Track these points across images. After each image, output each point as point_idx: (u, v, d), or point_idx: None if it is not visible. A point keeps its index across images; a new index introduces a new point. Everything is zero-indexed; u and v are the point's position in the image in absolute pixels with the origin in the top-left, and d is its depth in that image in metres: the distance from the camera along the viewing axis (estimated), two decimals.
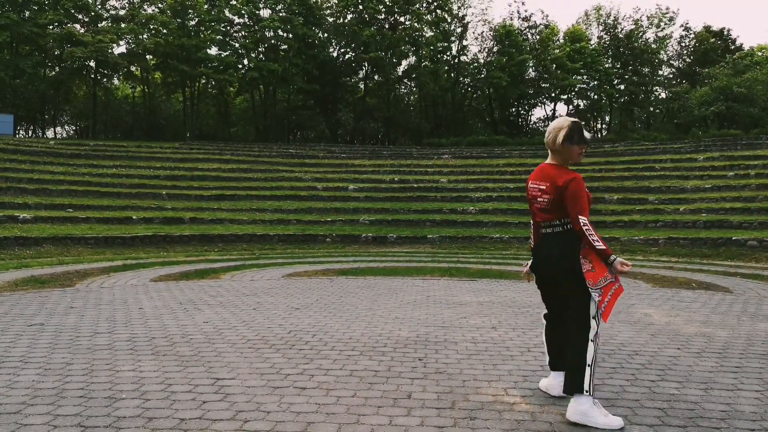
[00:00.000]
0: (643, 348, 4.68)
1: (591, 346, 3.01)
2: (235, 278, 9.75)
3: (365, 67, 44.33)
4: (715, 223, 19.12)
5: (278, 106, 44.09)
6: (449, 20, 43.75)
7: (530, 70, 44.70)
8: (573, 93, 45.20)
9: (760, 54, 43.11)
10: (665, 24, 45.17)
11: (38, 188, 21.27)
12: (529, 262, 3.41)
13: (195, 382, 3.56)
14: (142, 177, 25.49)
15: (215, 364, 4.02)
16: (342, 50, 44.98)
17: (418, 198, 25.65)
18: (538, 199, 3.20)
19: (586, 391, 2.94)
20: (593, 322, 3.04)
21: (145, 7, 40.38)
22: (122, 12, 40.32)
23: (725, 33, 45.99)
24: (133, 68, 40.17)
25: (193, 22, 40.46)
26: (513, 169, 29.12)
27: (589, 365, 2.98)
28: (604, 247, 3.02)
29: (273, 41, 41.96)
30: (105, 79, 42.38)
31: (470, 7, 57.78)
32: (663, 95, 47.96)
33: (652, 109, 47.61)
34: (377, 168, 30.02)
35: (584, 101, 46.50)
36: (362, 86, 46.62)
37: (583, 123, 3.24)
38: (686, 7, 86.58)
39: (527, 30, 45.35)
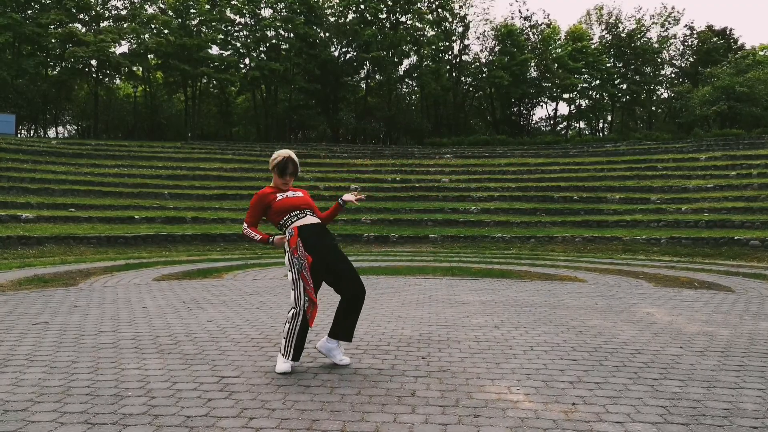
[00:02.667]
0: (645, 347, 4.70)
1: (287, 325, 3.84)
2: (237, 277, 9.77)
3: (366, 66, 44.34)
4: (717, 223, 19.12)
5: (279, 106, 44.13)
6: (451, 20, 43.74)
7: (532, 69, 44.68)
8: (575, 92, 45.19)
9: (762, 53, 43.04)
10: (669, 24, 45.17)
11: (40, 188, 21.32)
12: None
13: (200, 380, 3.58)
14: (144, 176, 25.54)
15: (220, 362, 4.05)
16: (343, 50, 44.99)
17: (420, 197, 25.67)
18: None
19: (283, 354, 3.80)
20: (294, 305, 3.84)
21: (147, 6, 40.42)
22: (124, 12, 40.37)
23: (727, 32, 45.94)
24: (134, 68, 40.21)
25: (194, 22, 40.50)
26: (515, 168, 29.13)
27: (284, 338, 3.83)
28: (260, 237, 3.92)
29: (274, 41, 42.01)
30: (107, 79, 42.44)
31: (472, 6, 57.76)
32: (665, 95, 47.94)
33: (654, 108, 47.58)
34: (379, 168, 30.04)
35: (586, 100, 46.49)
36: (363, 86, 46.64)
37: (288, 158, 3.99)
38: (688, 7, 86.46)
39: (529, 29, 45.34)
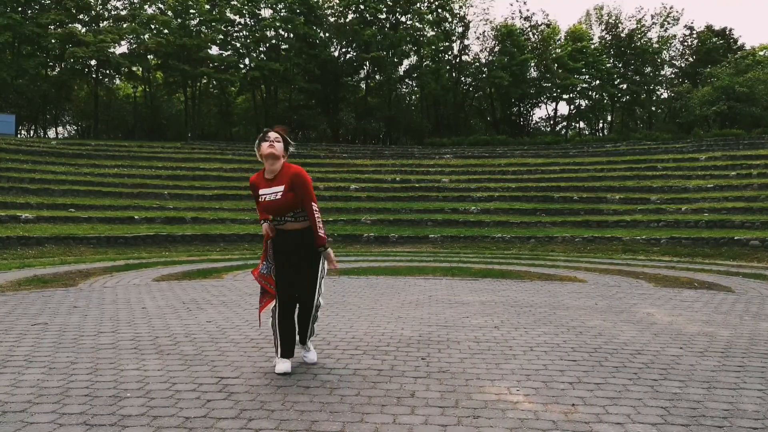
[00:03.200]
0: (645, 347, 4.69)
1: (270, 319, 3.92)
2: (237, 278, 9.76)
3: (366, 66, 44.34)
4: (717, 223, 19.11)
5: (279, 106, 44.12)
6: (450, 20, 43.75)
7: (532, 69, 44.68)
8: (575, 92, 45.18)
9: (762, 53, 43.04)
10: (669, 24, 45.17)
11: (40, 188, 21.31)
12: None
13: (199, 381, 3.58)
14: (144, 177, 25.53)
15: (219, 363, 4.04)
16: (343, 50, 45.00)
17: (420, 198, 25.66)
18: None
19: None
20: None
21: (146, 6, 40.42)
22: (123, 12, 40.36)
23: (727, 32, 45.94)
24: (134, 68, 40.21)
25: (194, 22, 40.49)
26: (515, 168, 29.13)
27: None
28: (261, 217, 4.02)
29: (274, 41, 42.01)
30: (106, 79, 42.45)
31: (472, 6, 57.75)
32: (665, 95, 47.93)
33: (654, 108, 47.57)
34: (379, 168, 30.03)
35: (586, 101, 46.49)
36: (363, 86, 46.64)
37: (264, 131, 3.87)
38: (688, 7, 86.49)
39: (529, 29, 45.34)
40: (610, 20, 46.26)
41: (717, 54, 43.71)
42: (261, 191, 3.75)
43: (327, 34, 43.62)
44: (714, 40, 44.99)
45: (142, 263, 12.09)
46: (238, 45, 41.84)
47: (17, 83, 36.75)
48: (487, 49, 45.21)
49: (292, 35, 41.14)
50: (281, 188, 3.67)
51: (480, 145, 35.96)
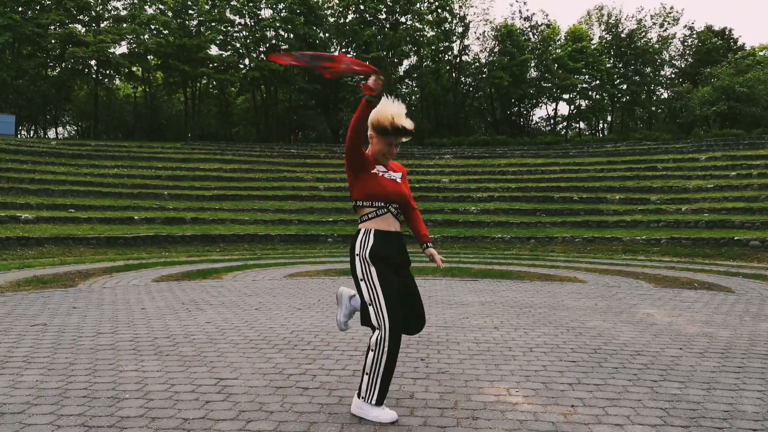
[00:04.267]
0: (645, 348, 4.68)
1: (371, 353, 2.91)
2: (237, 278, 9.76)
3: None
4: (717, 223, 19.10)
5: (279, 106, 44.13)
6: (450, 20, 43.75)
7: (532, 69, 44.67)
8: (575, 92, 45.18)
9: (762, 53, 43.03)
10: (669, 24, 45.17)
11: (40, 188, 21.29)
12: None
13: (198, 382, 3.57)
14: (144, 177, 25.52)
15: (218, 364, 4.03)
16: (343, 50, 44.96)
17: (420, 198, 25.62)
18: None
19: (362, 397, 2.93)
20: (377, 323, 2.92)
21: (146, 7, 40.43)
22: (123, 12, 40.36)
23: (727, 32, 45.94)
24: (134, 68, 40.22)
25: (194, 22, 40.50)
26: (515, 168, 29.11)
27: (366, 373, 2.91)
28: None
29: (274, 41, 42.01)
30: (106, 80, 42.43)
31: (472, 6, 57.74)
32: (665, 95, 47.92)
33: (654, 108, 47.56)
34: None
35: (586, 101, 46.48)
36: None
37: (399, 114, 3.06)
38: (688, 7, 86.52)
39: (529, 30, 45.34)
40: (610, 20, 46.27)
41: (717, 54, 43.68)
42: (378, 168, 3.08)
43: (327, 34, 43.62)
44: (714, 40, 44.97)
45: (141, 264, 12.08)
46: (238, 45, 41.83)
47: (17, 83, 36.75)
48: (487, 49, 45.20)
49: (292, 35, 41.15)
50: (399, 175, 3.18)
51: (480, 145, 35.94)
